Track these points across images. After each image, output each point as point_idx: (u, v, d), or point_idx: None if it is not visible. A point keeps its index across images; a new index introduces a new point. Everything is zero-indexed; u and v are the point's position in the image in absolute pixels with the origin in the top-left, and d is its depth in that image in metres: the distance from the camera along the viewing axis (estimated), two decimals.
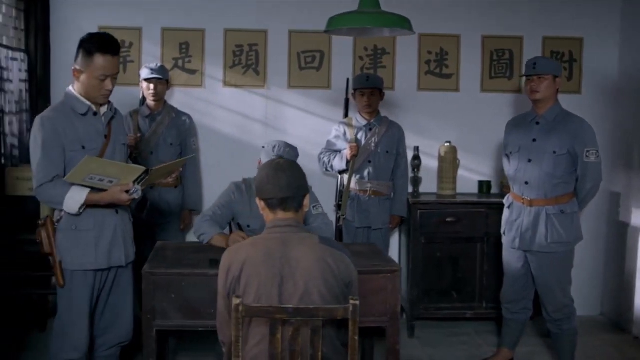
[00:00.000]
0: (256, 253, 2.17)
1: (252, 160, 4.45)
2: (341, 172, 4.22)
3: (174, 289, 2.82)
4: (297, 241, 2.18)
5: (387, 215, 4.27)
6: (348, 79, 4.40)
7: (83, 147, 2.75)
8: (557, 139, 3.45)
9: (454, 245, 4.36)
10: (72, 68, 2.77)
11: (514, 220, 3.60)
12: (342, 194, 4.15)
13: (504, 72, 4.71)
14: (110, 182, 2.68)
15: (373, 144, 4.20)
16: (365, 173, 4.19)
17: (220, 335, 2.32)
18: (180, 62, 4.53)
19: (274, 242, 2.18)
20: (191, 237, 4.43)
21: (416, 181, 4.53)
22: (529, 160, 3.51)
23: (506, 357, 3.83)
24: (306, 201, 2.30)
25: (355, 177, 4.19)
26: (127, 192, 2.71)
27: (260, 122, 4.62)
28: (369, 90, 4.15)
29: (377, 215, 4.21)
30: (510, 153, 3.64)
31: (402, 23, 2.87)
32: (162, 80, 4.13)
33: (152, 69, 4.10)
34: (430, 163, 4.65)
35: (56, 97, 4.48)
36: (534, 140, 3.51)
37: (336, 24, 2.91)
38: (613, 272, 4.71)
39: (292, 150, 3.30)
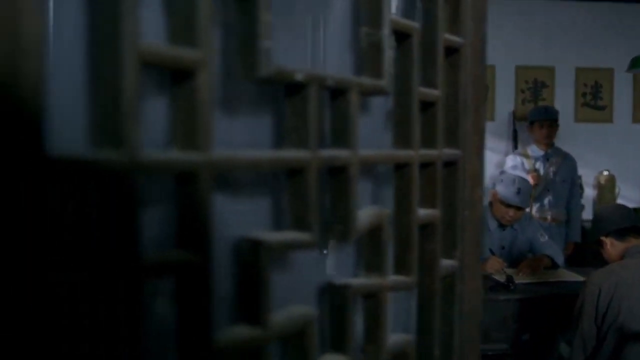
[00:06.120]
0: (627, 275, 2.30)
1: None
2: None
3: None
4: None
5: (563, 241, 4.41)
6: (513, 112, 4.56)
7: None
8: None
9: None
10: None
11: None
12: None
13: None
14: None
15: (551, 173, 4.36)
16: (545, 201, 4.34)
17: (577, 356, 2.43)
18: None
19: None
20: None
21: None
22: None
23: None
24: None
25: (534, 205, 4.33)
26: None
27: None
28: (548, 122, 4.32)
29: (557, 242, 4.34)
30: None
31: None
32: None
33: None
34: (586, 191, 4.84)
35: None
36: None
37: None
38: None
39: (528, 183, 3.46)
